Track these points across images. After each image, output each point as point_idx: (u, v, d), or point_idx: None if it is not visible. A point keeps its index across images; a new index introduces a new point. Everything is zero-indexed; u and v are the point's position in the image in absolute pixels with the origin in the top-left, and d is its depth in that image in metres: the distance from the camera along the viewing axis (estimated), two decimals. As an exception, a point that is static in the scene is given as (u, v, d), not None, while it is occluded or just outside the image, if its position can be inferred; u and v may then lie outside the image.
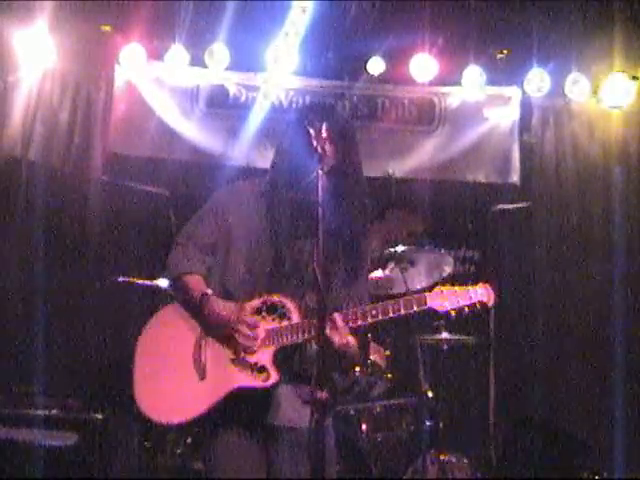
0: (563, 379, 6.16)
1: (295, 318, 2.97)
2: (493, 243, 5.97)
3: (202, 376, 3.01)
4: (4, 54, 5.73)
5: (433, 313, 5.34)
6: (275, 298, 3.01)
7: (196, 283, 3.10)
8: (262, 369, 2.95)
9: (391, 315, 2.93)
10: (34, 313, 5.45)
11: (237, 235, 3.11)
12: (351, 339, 2.97)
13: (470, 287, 2.99)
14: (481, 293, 2.98)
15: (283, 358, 2.99)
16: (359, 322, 2.93)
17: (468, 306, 2.96)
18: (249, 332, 2.96)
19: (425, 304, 2.96)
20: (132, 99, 6.14)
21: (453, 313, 2.96)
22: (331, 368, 2.76)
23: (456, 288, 2.99)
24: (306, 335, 2.93)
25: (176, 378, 3.04)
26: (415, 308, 2.95)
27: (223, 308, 3.01)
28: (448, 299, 2.96)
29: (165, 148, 6.19)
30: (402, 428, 5.01)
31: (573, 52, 6.25)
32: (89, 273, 5.84)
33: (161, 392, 3.04)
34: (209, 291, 3.05)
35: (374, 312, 2.94)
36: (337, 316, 2.91)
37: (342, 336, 2.90)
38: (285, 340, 2.96)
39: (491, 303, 2.98)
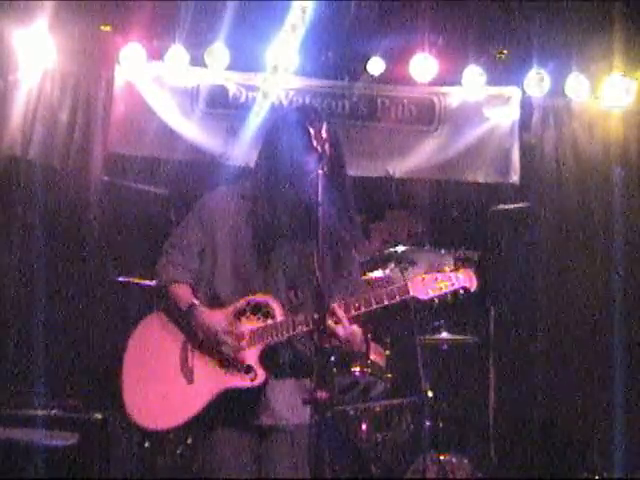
0: (563, 379, 6.15)
1: (279, 316, 2.98)
2: (493, 243, 5.96)
3: (190, 380, 3.02)
4: (4, 54, 5.72)
5: (432, 313, 5.37)
6: (259, 298, 3.02)
7: (184, 293, 3.12)
8: (249, 369, 2.97)
9: (374, 307, 2.92)
10: (34, 313, 5.45)
11: (223, 238, 3.12)
12: (356, 327, 2.97)
13: (452, 273, 2.97)
14: (463, 279, 2.96)
15: (270, 357, 2.99)
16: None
17: (452, 293, 2.94)
18: (235, 343, 2.98)
19: (408, 293, 2.93)
20: (132, 99, 6.14)
21: (436, 301, 2.95)
22: (330, 364, 2.76)
23: (437, 275, 2.96)
24: (291, 332, 2.94)
25: (164, 384, 3.05)
26: (398, 298, 2.93)
27: (210, 318, 3.03)
28: (430, 287, 2.94)
29: (165, 148, 6.19)
30: (402, 428, 5.00)
31: (573, 52, 6.25)
32: (89, 273, 5.83)
33: (150, 399, 3.05)
34: (196, 301, 3.07)
35: (357, 304, 2.93)
36: (336, 307, 2.90)
37: (346, 327, 2.89)
38: (270, 339, 2.98)
39: (474, 288, 2.96)
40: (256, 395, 3.00)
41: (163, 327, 3.15)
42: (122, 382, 3.12)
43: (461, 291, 2.95)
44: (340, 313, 2.89)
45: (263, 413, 3.01)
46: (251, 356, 2.98)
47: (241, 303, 3.02)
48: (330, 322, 2.84)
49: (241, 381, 2.96)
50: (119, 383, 3.13)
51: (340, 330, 2.88)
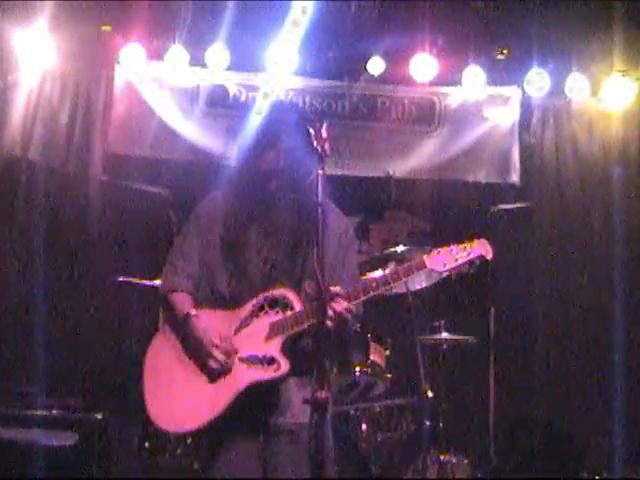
0: (563, 379, 6.15)
1: (298, 307, 2.98)
2: (493, 243, 5.95)
3: (212, 378, 3.01)
4: (4, 54, 5.73)
5: (433, 312, 5.37)
6: (275, 292, 3.03)
7: (182, 301, 3.14)
8: (272, 360, 2.96)
9: (392, 284, 2.95)
10: (34, 313, 5.45)
11: (221, 241, 3.14)
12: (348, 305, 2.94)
13: (466, 243, 3.02)
14: (478, 248, 3.00)
15: (292, 348, 2.99)
16: (362, 297, 2.95)
17: (468, 263, 2.96)
18: (221, 357, 2.98)
19: (424, 267, 2.97)
20: (132, 99, 6.14)
21: (454, 273, 2.98)
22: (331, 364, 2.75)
23: (453, 247, 3.00)
24: (311, 321, 2.92)
25: (187, 386, 3.04)
26: (415, 272, 2.97)
27: (207, 325, 3.03)
28: (446, 258, 2.98)
29: (165, 148, 6.19)
30: (402, 428, 5.00)
31: (573, 52, 6.26)
32: (89, 273, 5.84)
33: (174, 403, 3.04)
34: (193, 311, 3.08)
35: (374, 284, 2.95)
36: (339, 290, 2.90)
37: (340, 304, 2.88)
38: (291, 329, 2.97)
39: (490, 256, 3.00)
40: (274, 393, 2.99)
41: (177, 333, 3.15)
42: (145, 391, 3.11)
43: (477, 261, 2.98)
44: (341, 292, 2.89)
45: (279, 412, 3.00)
46: (273, 348, 2.97)
47: (258, 299, 3.03)
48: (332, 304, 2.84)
49: (264, 373, 2.95)
50: (141, 393, 3.11)
51: (337, 307, 2.86)
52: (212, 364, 2.99)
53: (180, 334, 3.12)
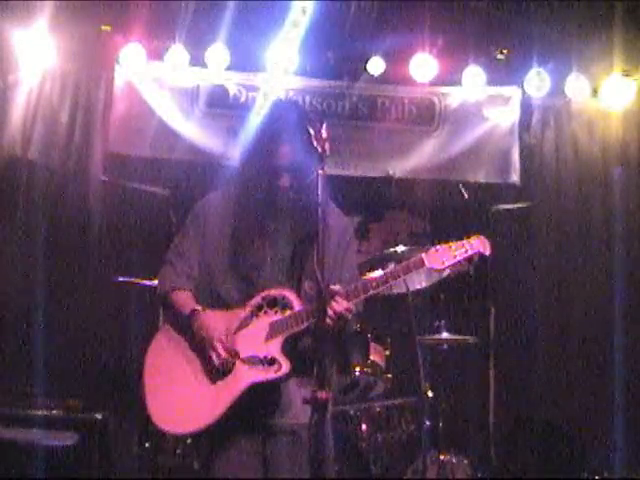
0: (563, 379, 6.15)
1: (297, 306, 2.98)
2: (493, 243, 5.96)
3: (213, 380, 3.01)
4: (4, 54, 5.73)
5: (433, 312, 5.36)
6: (274, 292, 3.03)
7: (185, 299, 3.13)
8: (272, 361, 2.96)
9: (391, 283, 2.96)
10: (34, 313, 5.45)
11: (219, 241, 3.14)
12: (349, 304, 2.95)
13: (465, 241, 3.03)
14: (476, 244, 3.02)
15: (292, 348, 2.98)
16: (362, 296, 2.96)
17: (466, 259, 2.98)
18: (226, 355, 2.97)
19: (423, 265, 2.98)
20: (132, 99, 6.14)
21: (453, 270, 3.00)
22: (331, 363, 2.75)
23: (450, 244, 3.02)
24: (310, 321, 2.92)
25: (188, 387, 3.04)
26: (413, 270, 2.98)
27: (213, 322, 3.03)
28: (445, 256, 2.99)
29: (165, 148, 6.18)
30: (402, 428, 5.00)
31: (573, 52, 6.25)
32: (89, 273, 5.84)
33: (176, 405, 3.04)
34: (198, 307, 3.08)
35: (374, 283, 2.96)
36: (339, 289, 2.91)
37: (340, 304, 2.89)
38: (290, 329, 2.97)
39: (488, 252, 3.01)
40: (275, 394, 3.00)
41: (180, 332, 3.15)
42: (145, 390, 3.10)
43: (475, 257, 3.00)
44: (341, 291, 2.90)
45: (283, 413, 3.00)
46: (274, 348, 2.97)
47: (256, 300, 3.03)
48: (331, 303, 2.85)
49: (266, 374, 2.95)
50: (142, 394, 3.10)
51: (338, 307, 2.86)
52: (216, 361, 2.98)
53: (184, 332, 3.11)
